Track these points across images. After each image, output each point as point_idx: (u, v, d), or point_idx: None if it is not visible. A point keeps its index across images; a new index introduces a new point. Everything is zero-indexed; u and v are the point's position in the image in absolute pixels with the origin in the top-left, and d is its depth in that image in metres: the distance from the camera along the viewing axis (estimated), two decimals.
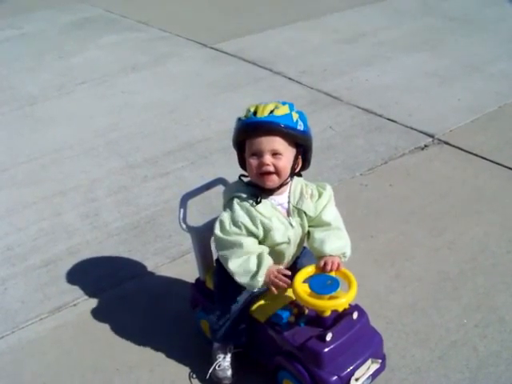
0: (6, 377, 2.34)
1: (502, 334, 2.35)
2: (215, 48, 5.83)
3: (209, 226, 2.19)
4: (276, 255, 2.02)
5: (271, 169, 1.90)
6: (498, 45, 5.45)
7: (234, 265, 1.93)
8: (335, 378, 1.89)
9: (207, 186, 2.30)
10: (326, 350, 1.89)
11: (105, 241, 3.10)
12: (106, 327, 2.51)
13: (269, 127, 1.87)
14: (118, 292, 2.73)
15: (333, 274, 1.94)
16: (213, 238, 2.04)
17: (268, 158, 1.89)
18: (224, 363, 2.18)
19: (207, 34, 6.22)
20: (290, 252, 2.07)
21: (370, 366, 2.00)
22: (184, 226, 2.24)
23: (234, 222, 1.93)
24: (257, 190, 1.97)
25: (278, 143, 1.89)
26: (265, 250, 1.97)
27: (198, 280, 2.39)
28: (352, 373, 1.93)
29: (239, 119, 1.94)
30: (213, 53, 5.74)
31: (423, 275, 2.68)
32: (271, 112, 1.87)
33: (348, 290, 1.90)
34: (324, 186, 2.07)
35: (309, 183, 2.07)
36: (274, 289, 1.92)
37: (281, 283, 1.90)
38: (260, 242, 1.98)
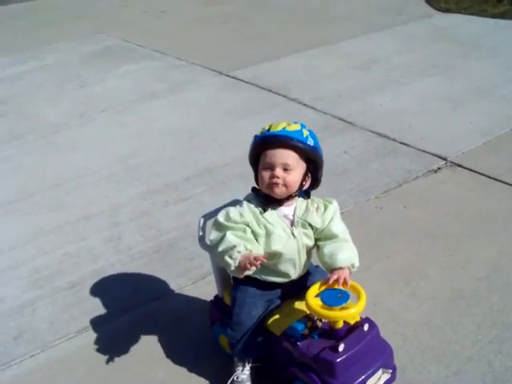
0: None
1: None
2: (231, 75, 5.97)
3: None
4: (283, 267, 2.15)
5: (280, 181, 2.05)
6: (509, 68, 5.54)
7: (213, 236, 2.11)
8: None
9: (224, 207, 2.42)
10: (339, 360, 1.98)
11: (128, 263, 3.20)
12: (131, 346, 2.59)
13: (281, 140, 2.04)
14: (143, 312, 2.82)
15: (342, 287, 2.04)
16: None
17: (279, 171, 2.05)
18: (242, 375, 2.27)
19: (223, 62, 6.36)
20: (295, 263, 2.17)
21: (380, 376, 2.08)
22: (203, 245, 2.35)
23: (240, 215, 2.10)
24: (266, 199, 2.12)
25: (289, 157, 2.04)
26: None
27: (216, 297, 2.51)
28: (363, 382, 2.01)
29: (255, 136, 2.12)
30: (229, 80, 5.88)
31: (438, 293, 2.75)
32: (284, 128, 2.04)
33: (357, 302, 2.00)
34: (330, 200, 2.20)
35: (315, 198, 2.20)
36: (241, 272, 2.01)
37: (248, 265, 1.97)
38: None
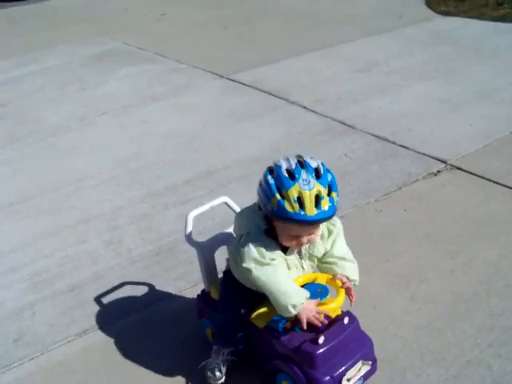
0: None
1: None
2: (231, 79, 5.97)
3: (212, 241, 2.45)
4: None
5: (306, 244, 2.08)
6: (509, 71, 5.54)
7: (275, 290, 2.03)
8: (328, 378, 2.04)
9: (211, 206, 2.51)
10: (319, 351, 2.04)
11: (128, 267, 3.20)
12: (131, 349, 2.61)
13: (319, 223, 2.00)
14: (142, 316, 2.83)
15: (323, 282, 2.11)
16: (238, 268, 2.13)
17: (306, 238, 2.04)
18: (213, 364, 2.34)
19: (223, 65, 6.37)
20: None
21: (361, 368, 2.14)
22: (190, 241, 2.41)
23: (271, 253, 2.06)
24: (283, 246, 2.10)
25: (317, 229, 2.05)
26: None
27: (203, 291, 2.56)
28: (344, 373, 2.07)
29: (287, 213, 1.94)
30: (229, 83, 5.89)
31: (438, 297, 2.75)
32: (318, 204, 1.92)
33: (336, 297, 2.06)
34: (334, 222, 2.19)
35: None
36: (305, 324, 2.04)
37: (316, 322, 2.05)
38: None
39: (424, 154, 4.09)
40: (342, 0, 8.94)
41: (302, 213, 1.91)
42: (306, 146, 4.29)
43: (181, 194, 3.86)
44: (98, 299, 2.97)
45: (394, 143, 4.30)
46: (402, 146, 4.25)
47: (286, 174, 1.96)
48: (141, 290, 3.01)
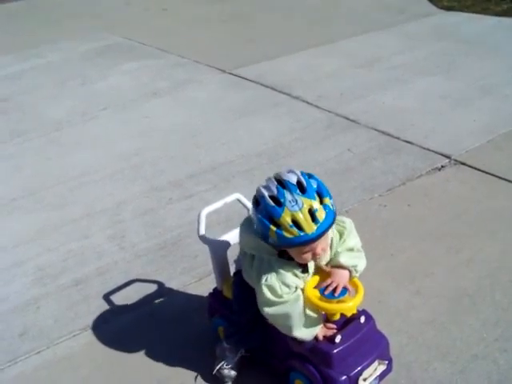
0: None
1: None
2: (234, 74, 5.97)
3: (225, 239, 2.38)
4: None
5: (322, 253, 2.00)
6: (511, 67, 5.55)
7: (298, 332, 2.04)
8: (344, 377, 2.02)
9: (224, 202, 2.44)
10: (336, 351, 2.03)
11: (132, 261, 3.20)
12: (135, 343, 2.60)
13: (323, 235, 1.91)
14: (147, 310, 2.83)
15: None
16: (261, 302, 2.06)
17: (319, 249, 1.95)
18: (230, 363, 2.33)
19: (226, 60, 6.36)
20: None
21: (377, 367, 2.12)
22: (203, 238, 2.37)
23: (285, 284, 2.00)
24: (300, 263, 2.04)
25: (326, 235, 1.96)
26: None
27: (215, 289, 2.52)
28: (360, 373, 2.05)
29: (284, 237, 1.88)
30: (232, 78, 5.88)
31: (442, 291, 2.75)
32: (314, 219, 1.85)
33: (355, 295, 2.03)
34: (344, 224, 2.12)
35: None
36: (321, 337, 2.07)
37: (330, 333, 2.08)
38: None
39: (428, 150, 4.08)
40: None
41: (303, 233, 1.85)
42: (308, 141, 4.29)
43: (184, 189, 3.86)
44: (102, 294, 2.96)
45: (397, 138, 4.29)
46: (405, 141, 4.24)
47: (271, 203, 1.88)
48: (145, 285, 3.00)
